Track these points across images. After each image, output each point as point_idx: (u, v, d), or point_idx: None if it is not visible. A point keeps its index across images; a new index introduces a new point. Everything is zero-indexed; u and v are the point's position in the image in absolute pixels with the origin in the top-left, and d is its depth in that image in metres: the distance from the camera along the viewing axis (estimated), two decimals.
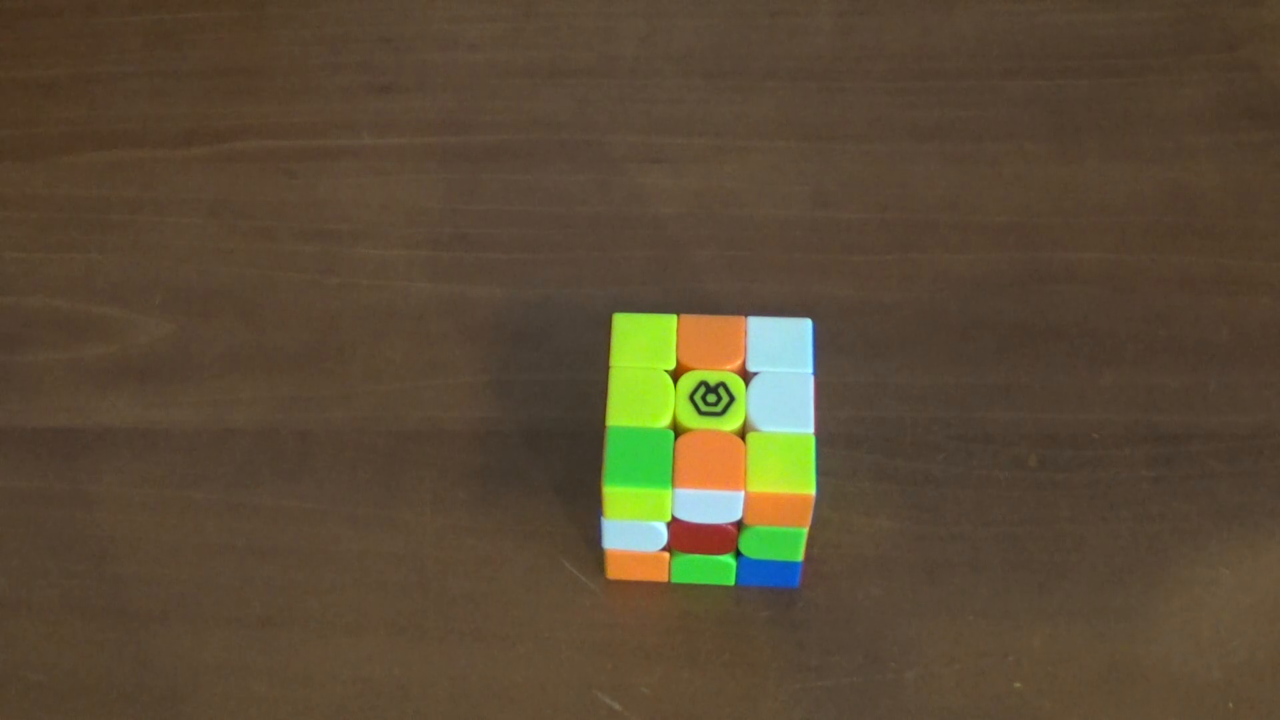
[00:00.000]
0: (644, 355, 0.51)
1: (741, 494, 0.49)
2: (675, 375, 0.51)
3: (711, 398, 0.51)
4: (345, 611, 0.54)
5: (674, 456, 0.50)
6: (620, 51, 0.66)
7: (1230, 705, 0.52)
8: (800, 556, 0.52)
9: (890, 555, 0.54)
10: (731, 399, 0.50)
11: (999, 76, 0.64)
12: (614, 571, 0.54)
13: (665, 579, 0.54)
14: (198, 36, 0.66)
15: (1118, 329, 0.59)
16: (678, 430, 0.50)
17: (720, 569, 0.53)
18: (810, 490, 0.49)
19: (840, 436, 0.56)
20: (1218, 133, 0.63)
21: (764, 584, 0.54)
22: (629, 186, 0.62)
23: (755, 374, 0.51)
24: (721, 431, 0.50)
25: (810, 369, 0.51)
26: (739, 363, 0.51)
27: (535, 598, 0.54)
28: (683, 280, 0.60)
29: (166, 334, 0.59)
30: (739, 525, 0.51)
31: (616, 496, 0.50)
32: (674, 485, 0.49)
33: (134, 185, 0.62)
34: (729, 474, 0.49)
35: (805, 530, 0.51)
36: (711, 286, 0.60)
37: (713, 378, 0.51)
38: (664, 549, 0.52)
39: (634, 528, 0.51)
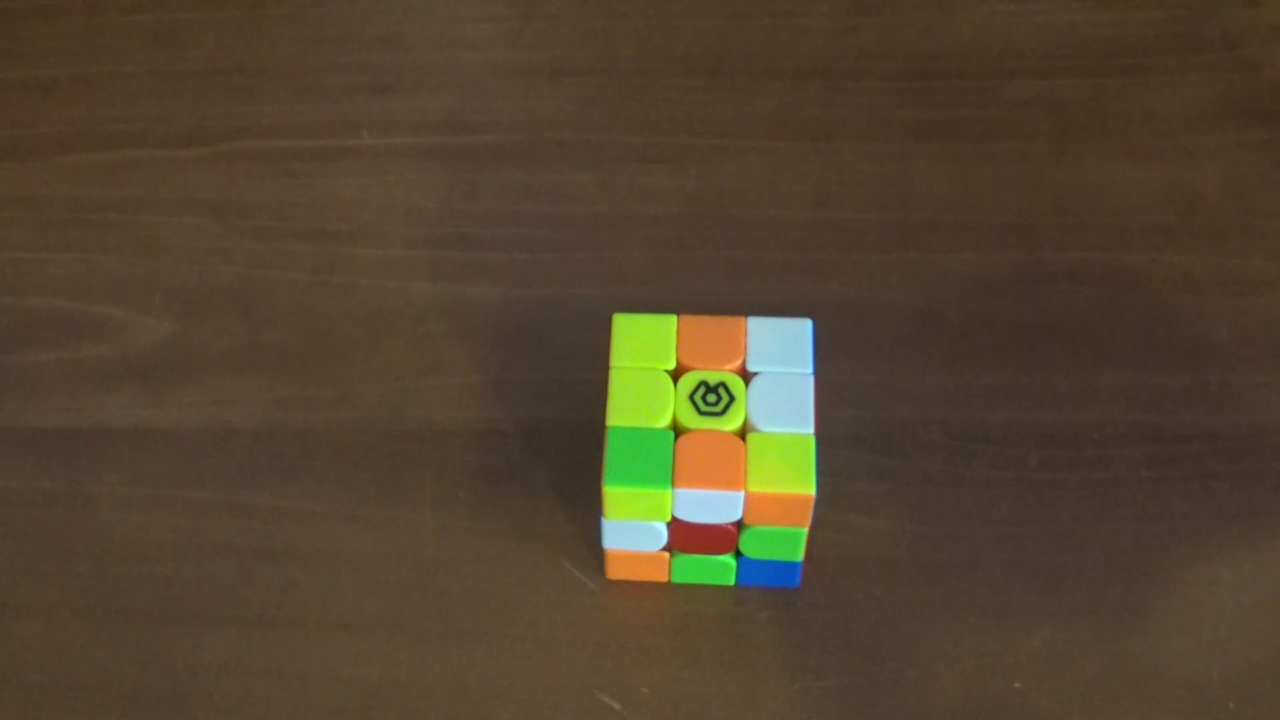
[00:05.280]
0: (644, 355, 0.51)
1: (741, 494, 0.49)
2: (675, 375, 0.51)
3: (711, 398, 0.51)
4: (345, 611, 0.54)
5: (674, 456, 0.50)
6: (620, 51, 0.66)
7: (1230, 705, 0.52)
8: (800, 556, 0.52)
9: (890, 555, 0.54)
10: (731, 399, 0.50)
11: (999, 76, 0.64)
12: (614, 571, 0.54)
13: (665, 579, 0.54)
14: (198, 36, 0.66)
15: (1118, 329, 0.59)
16: (678, 430, 0.50)
17: (720, 569, 0.53)
18: (810, 490, 0.49)
19: (840, 436, 0.56)
20: (1218, 133, 0.63)
21: (764, 584, 0.54)
22: (629, 186, 0.62)
23: (755, 374, 0.51)
24: (721, 431, 0.50)
25: (810, 369, 0.51)
26: (739, 363, 0.51)
27: (535, 598, 0.54)
28: (683, 280, 0.60)
29: (166, 334, 0.59)
30: (739, 525, 0.51)
31: (616, 496, 0.50)
32: (674, 485, 0.49)
33: (134, 185, 0.62)
34: (729, 474, 0.49)
35: (805, 530, 0.51)
36: (711, 286, 0.60)
37: (713, 378, 0.51)
38: (664, 549, 0.52)
39: (634, 528, 0.51)
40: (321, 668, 0.53)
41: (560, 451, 0.56)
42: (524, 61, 0.65)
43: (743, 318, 0.52)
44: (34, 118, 0.64)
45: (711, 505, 0.50)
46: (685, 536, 0.51)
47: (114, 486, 0.56)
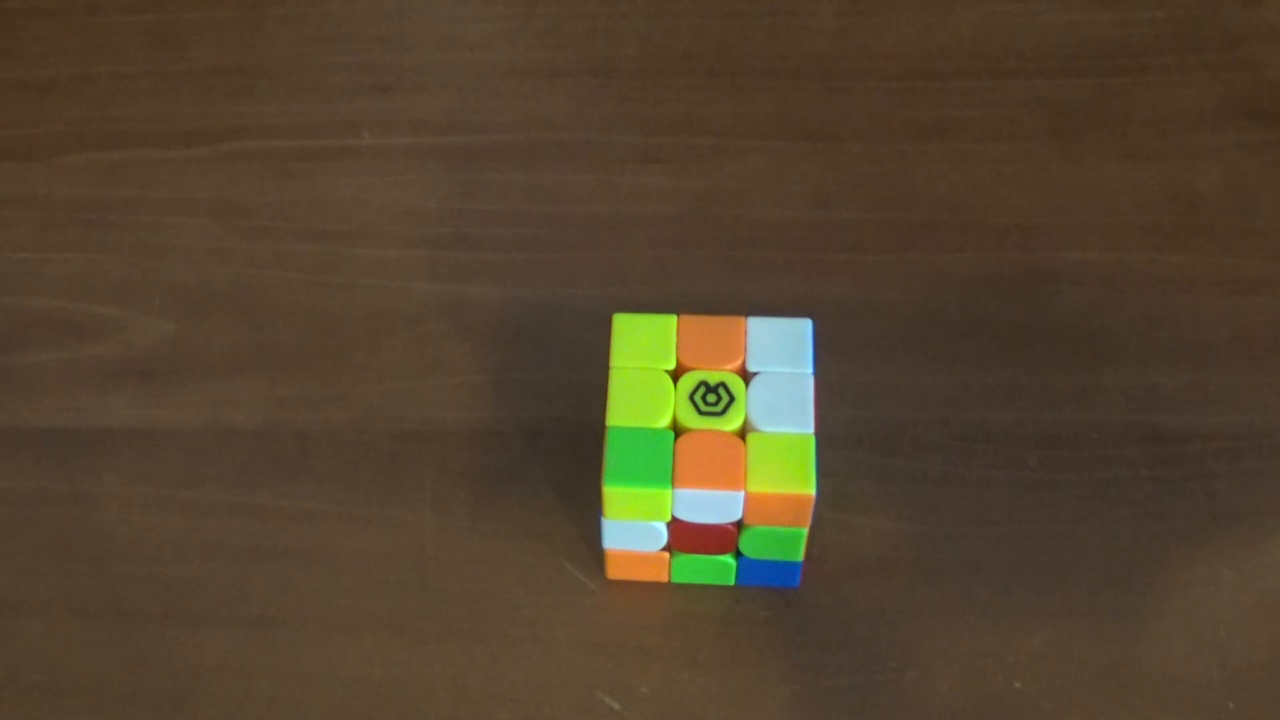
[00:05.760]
0: (644, 355, 0.51)
1: (741, 494, 0.49)
2: (675, 375, 0.51)
3: (711, 398, 0.51)
4: (345, 611, 0.54)
5: (674, 456, 0.50)
6: (620, 51, 0.66)
7: (1230, 705, 0.52)
8: (800, 556, 0.52)
9: (890, 555, 0.54)
10: (731, 399, 0.50)
11: (999, 76, 0.64)
12: (614, 571, 0.54)
13: (665, 579, 0.54)
14: (198, 36, 0.66)
15: (1118, 329, 0.59)
16: (678, 430, 0.50)
17: (720, 569, 0.53)
18: (810, 490, 0.49)
19: (840, 436, 0.56)
20: (1218, 133, 0.63)
21: (764, 584, 0.54)
22: (629, 186, 0.62)
23: (755, 374, 0.51)
24: (721, 431, 0.50)
25: (810, 369, 0.51)
26: (739, 363, 0.51)
27: (535, 598, 0.54)
28: (683, 280, 0.60)
29: (166, 334, 0.59)
30: (739, 525, 0.51)
31: (616, 496, 0.50)
32: (674, 485, 0.49)
33: (134, 185, 0.62)
34: (729, 474, 0.49)
35: (805, 530, 0.51)
36: (711, 286, 0.60)
37: (713, 378, 0.51)
38: (664, 549, 0.52)
39: (634, 528, 0.51)
40: (321, 668, 0.53)
41: (560, 451, 0.56)
42: (524, 61, 0.65)
43: (743, 318, 0.52)
44: (34, 118, 0.64)
45: (711, 505, 0.50)
46: (685, 536, 0.51)
47: (114, 486, 0.56)
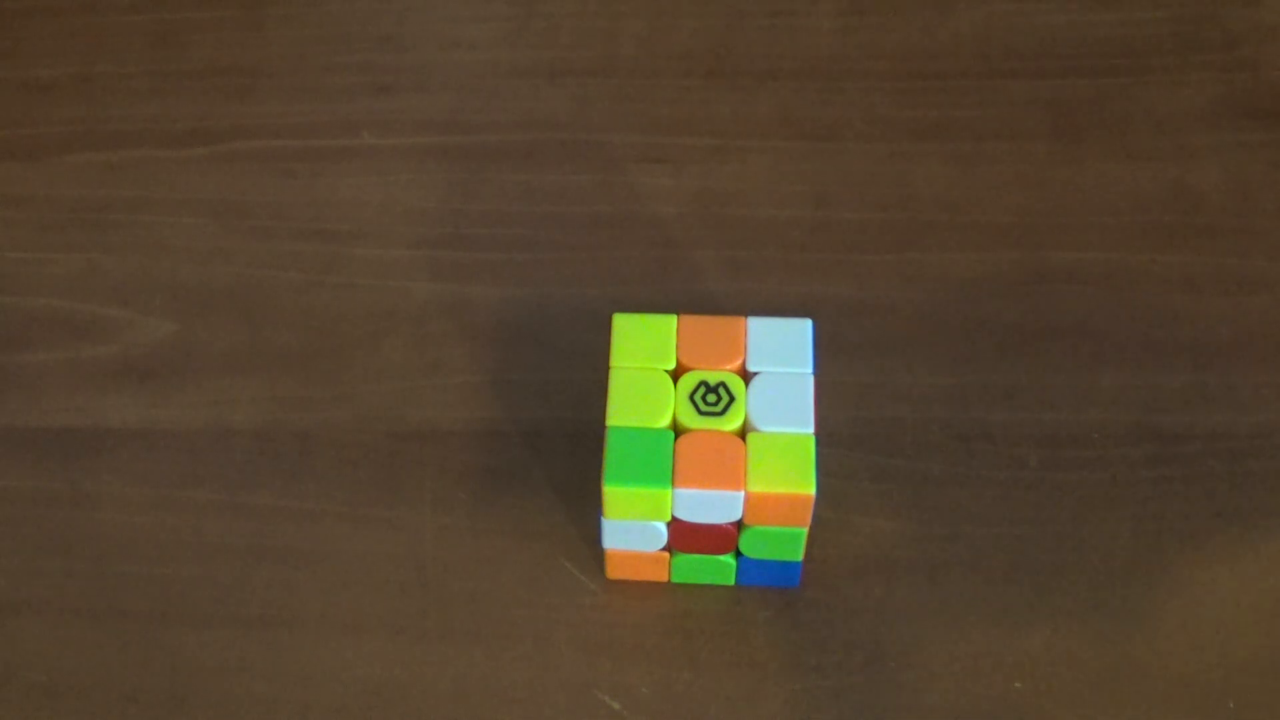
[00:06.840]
0: (644, 355, 0.51)
1: (741, 494, 0.49)
2: (675, 375, 0.51)
3: (711, 398, 0.51)
4: (345, 611, 0.54)
5: (674, 456, 0.50)
6: (620, 51, 0.66)
7: (1231, 705, 0.52)
8: (800, 556, 0.52)
9: (890, 555, 0.54)
10: (731, 399, 0.50)
11: (999, 76, 0.64)
12: (614, 571, 0.54)
13: (665, 579, 0.54)
14: (198, 36, 0.66)
15: (1118, 329, 0.59)
16: (678, 430, 0.50)
17: (720, 569, 0.53)
18: (810, 490, 0.49)
19: (840, 436, 0.56)
20: (1218, 133, 0.63)
21: (764, 584, 0.54)
22: (629, 186, 0.62)
23: (755, 374, 0.51)
24: (721, 431, 0.50)
25: (810, 369, 0.51)
26: (739, 363, 0.51)
27: (535, 598, 0.54)
28: (683, 280, 0.60)
29: (167, 334, 0.59)
30: (739, 525, 0.51)
31: (616, 496, 0.50)
32: (674, 485, 0.49)
33: (134, 185, 0.62)
34: (729, 474, 0.49)
35: (805, 530, 0.51)
36: (711, 286, 0.60)
37: (713, 378, 0.51)
38: (664, 549, 0.52)
39: (634, 528, 0.51)
40: (321, 668, 0.53)
41: (560, 451, 0.56)
42: (524, 61, 0.65)
43: (743, 318, 0.52)
44: (34, 118, 0.64)
45: (711, 505, 0.50)
46: (685, 536, 0.51)
47: (114, 486, 0.56)
